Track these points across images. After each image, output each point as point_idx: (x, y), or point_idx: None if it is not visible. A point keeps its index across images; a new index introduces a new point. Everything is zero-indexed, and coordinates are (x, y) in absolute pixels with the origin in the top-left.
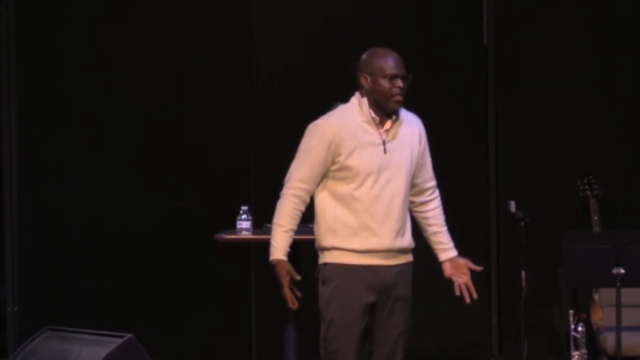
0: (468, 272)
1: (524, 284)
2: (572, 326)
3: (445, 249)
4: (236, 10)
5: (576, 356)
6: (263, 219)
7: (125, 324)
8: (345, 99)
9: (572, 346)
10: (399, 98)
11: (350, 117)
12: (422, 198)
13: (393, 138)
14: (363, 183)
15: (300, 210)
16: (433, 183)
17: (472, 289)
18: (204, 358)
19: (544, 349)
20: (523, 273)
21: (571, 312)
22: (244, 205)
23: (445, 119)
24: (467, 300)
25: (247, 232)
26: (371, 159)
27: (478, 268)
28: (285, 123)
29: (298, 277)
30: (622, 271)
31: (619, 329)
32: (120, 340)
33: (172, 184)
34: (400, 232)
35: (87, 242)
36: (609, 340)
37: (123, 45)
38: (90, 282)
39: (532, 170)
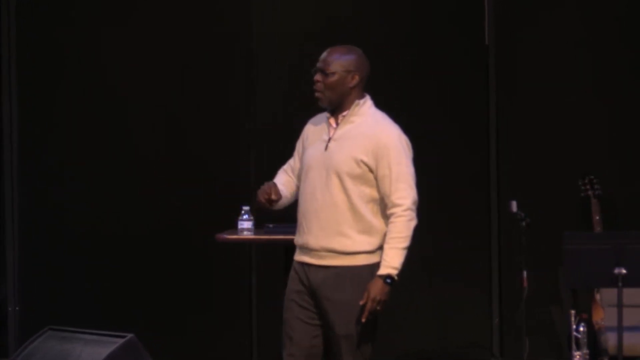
0: (369, 295)
1: (525, 284)
2: (573, 326)
3: (382, 266)
4: (236, 10)
5: (577, 356)
6: (264, 219)
7: (126, 324)
8: None
9: (574, 346)
10: (316, 93)
11: (324, 115)
12: (387, 212)
13: (339, 137)
14: (305, 179)
15: (292, 183)
16: (397, 202)
17: (365, 313)
18: (204, 358)
19: (545, 349)
20: (524, 273)
21: (572, 312)
22: (245, 205)
23: (446, 119)
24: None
25: (249, 233)
26: (313, 155)
27: (362, 302)
28: (286, 123)
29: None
30: (624, 271)
31: (620, 329)
32: (121, 341)
33: (172, 184)
34: (336, 234)
35: (88, 242)
36: (610, 340)
37: (123, 46)
38: (91, 282)
39: (533, 170)
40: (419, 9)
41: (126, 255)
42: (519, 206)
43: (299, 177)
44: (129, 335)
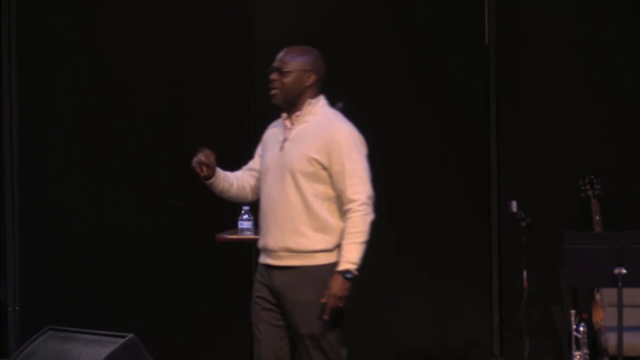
0: (330, 292)
1: (525, 284)
2: (574, 326)
3: (341, 261)
4: (237, 11)
5: (577, 356)
6: None
7: (127, 324)
8: (347, 99)
9: (574, 346)
10: (271, 91)
11: (282, 118)
12: (344, 208)
13: (293, 137)
14: (263, 181)
15: (247, 177)
16: (352, 197)
17: (327, 310)
18: (205, 357)
19: (545, 349)
20: (524, 273)
21: (572, 312)
22: (245, 205)
23: (446, 119)
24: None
25: (249, 232)
26: (270, 157)
27: (323, 300)
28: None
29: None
30: (624, 271)
31: (620, 329)
32: (121, 340)
33: (173, 184)
34: (291, 232)
35: (89, 242)
36: (610, 340)
37: (125, 42)
38: (91, 281)
39: (533, 170)
40: (418, 9)
41: (127, 255)
42: (519, 206)
43: (259, 180)
44: (130, 335)
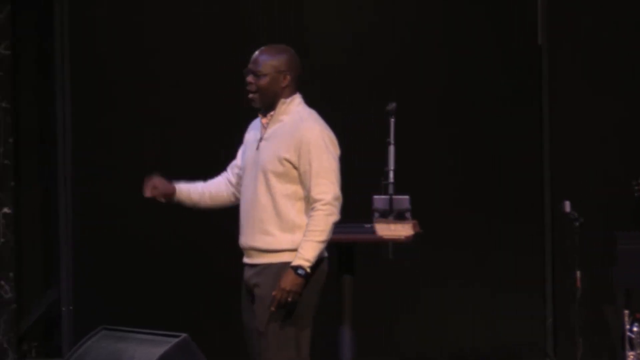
0: (279, 285)
1: (578, 284)
2: (627, 326)
3: (296, 257)
4: (287, 11)
5: (631, 356)
6: None
7: (180, 324)
8: (398, 99)
9: (627, 346)
10: (249, 95)
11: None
12: (310, 207)
13: (268, 137)
14: (243, 181)
15: (224, 181)
16: (316, 197)
17: (274, 302)
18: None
19: (598, 349)
20: (577, 273)
21: (626, 312)
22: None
23: (500, 119)
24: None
25: None
26: (247, 156)
27: (273, 293)
28: (336, 124)
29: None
30: None
31: None
32: (175, 340)
33: None
34: (259, 232)
35: (140, 243)
36: None
37: (177, 49)
38: (144, 281)
39: (586, 171)
40: (471, 10)
41: (180, 255)
42: (572, 206)
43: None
44: (183, 335)
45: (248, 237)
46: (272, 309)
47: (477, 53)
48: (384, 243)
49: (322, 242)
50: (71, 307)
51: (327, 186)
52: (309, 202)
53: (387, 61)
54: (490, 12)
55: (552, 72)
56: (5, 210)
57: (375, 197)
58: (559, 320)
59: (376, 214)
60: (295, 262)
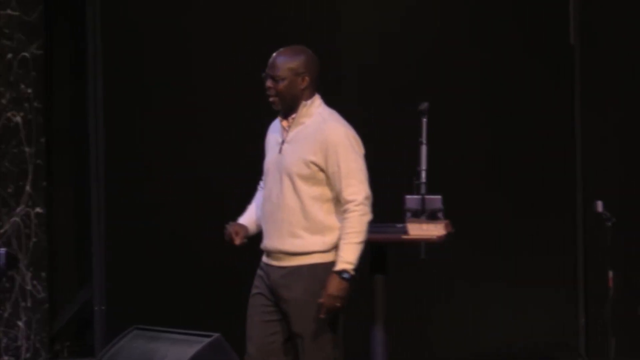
0: (326, 292)
1: (610, 284)
2: None
3: (337, 262)
4: (323, 10)
5: None
6: None
7: (213, 323)
8: (430, 99)
9: None
10: (269, 98)
11: (279, 119)
12: (342, 208)
13: (291, 139)
14: (265, 184)
15: (258, 195)
16: (348, 198)
17: (323, 310)
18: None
19: (631, 348)
20: (610, 273)
21: None
22: None
23: (532, 119)
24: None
25: None
26: (269, 160)
27: (320, 300)
28: (368, 123)
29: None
30: None
31: None
32: (207, 340)
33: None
34: (288, 235)
35: (173, 242)
36: None
37: (211, 46)
38: (176, 281)
39: (618, 170)
40: (503, 9)
41: (211, 255)
42: (604, 206)
43: None
44: (215, 335)
45: (275, 241)
46: (322, 316)
47: (509, 53)
48: (416, 243)
49: (361, 242)
50: (103, 307)
51: (358, 186)
52: (337, 203)
53: (419, 61)
54: (522, 11)
55: (584, 71)
56: (38, 210)
57: (408, 197)
58: (591, 320)
59: (408, 214)
60: (339, 267)
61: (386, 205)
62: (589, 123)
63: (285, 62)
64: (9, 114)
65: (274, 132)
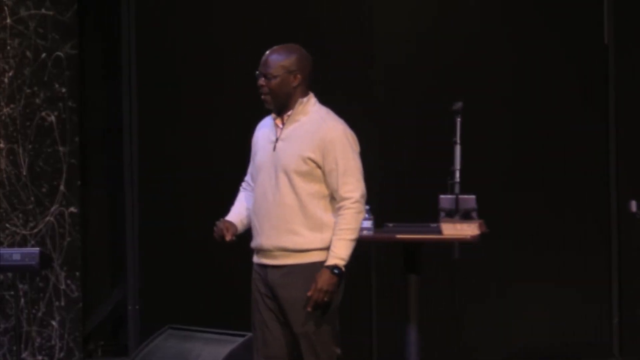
0: (316, 286)
1: None
2: None
3: (329, 256)
4: (356, 9)
5: None
6: (384, 218)
7: (246, 323)
8: (463, 99)
9: None
10: (262, 96)
11: (270, 117)
12: (337, 205)
13: (286, 137)
14: (256, 181)
15: (247, 191)
16: (345, 195)
17: (311, 303)
18: None
19: None
20: None
21: None
22: (366, 205)
23: (566, 118)
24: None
25: (368, 232)
26: (262, 157)
27: (309, 293)
28: (402, 123)
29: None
30: None
31: None
32: (241, 339)
33: None
34: (287, 232)
35: (206, 242)
36: None
37: (243, 42)
38: (210, 280)
39: None
40: (537, 9)
41: (244, 255)
42: (638, 206)
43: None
44: (249, 334)
45: (272, 239)
46: (309, 309)
47: (543, 52)
48: (450, 243)
49: (354, 240)
50: (137, 307)
51: (355, 184)
52: (332, 201)
53: (453, 61)
54: (556, 11)
55: (619, 71)
56: (72, 209)
57: (442, 196)
58: (625, 320)
59: (442, 214)
60: (331, 262)
61: (420, 205)
62: (622, 122)
63: (278, 60)
64: (43, 114)
65: (264, 131)
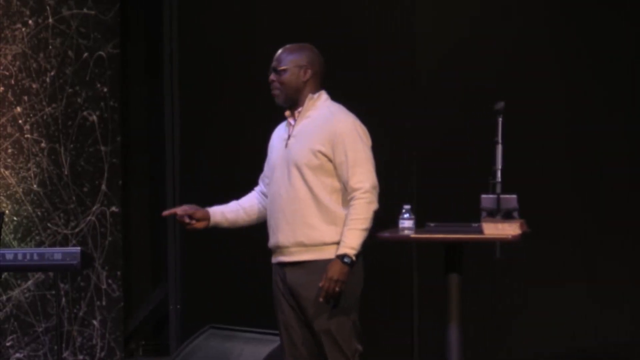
0: (327, 275)
1: None
2: None
3: (340, 246)
4: (396, 11)
5: None
6: (425, 218)
7: None
8: (499, 98)
9: None
10: (272, 92)
11: (285, 121)
12: (348, 197)
13: (297, 133)
14: (270, 181)
15: (256, 194)
16: (355, 186)
17: (322, 293)
18: (367, 356)
19: None
20: None
21: None
22: (407, 204)
23: (607, 119)
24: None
25: (410, 231)
26: (276, 154)
27: (320, 284)
28: (445, 120)
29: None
30: None
31: None
32: None
33: None
34: (302, 226)
35: (249, 241)
36: None
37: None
38: (252, 280)
39: None
40: (579, 9)
41: None
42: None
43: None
44: None
45: (288, 234)
46: (321, 299)
47: (587, 52)
48: (491, 242)
49: (366, 229)
50: (179, 306)
51: (365, 175)
52: (344, 194)
53: (496, 60)
54: (603, 10)
55: None
56: (113, 209)
57: (483, 196)
58: None
59: (484, 213)
60: (341, 251)
61: (462, 205)
62: None
63: (288, 55)
64: (84, 113)
65: (278, 133)
